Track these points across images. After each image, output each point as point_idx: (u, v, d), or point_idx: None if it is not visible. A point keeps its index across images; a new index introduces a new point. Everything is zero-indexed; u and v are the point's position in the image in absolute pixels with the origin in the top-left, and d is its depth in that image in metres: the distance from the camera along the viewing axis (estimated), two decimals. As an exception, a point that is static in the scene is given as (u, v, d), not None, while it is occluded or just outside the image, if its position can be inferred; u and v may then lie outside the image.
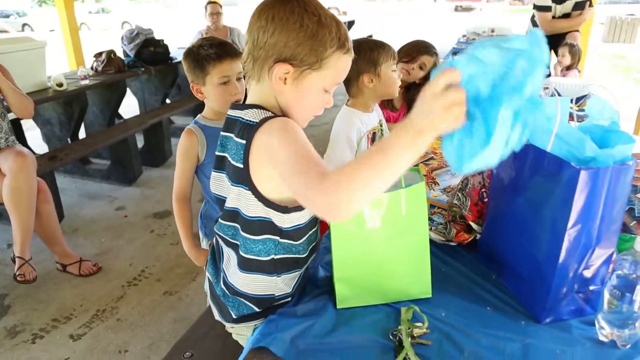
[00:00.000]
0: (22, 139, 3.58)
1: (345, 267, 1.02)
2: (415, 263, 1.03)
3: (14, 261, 2.35)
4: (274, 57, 0.89)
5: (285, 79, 0.90)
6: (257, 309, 1.05)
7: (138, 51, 4.19)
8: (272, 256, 1.00)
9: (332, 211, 0.73)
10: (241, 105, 0.96)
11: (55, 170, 3.67)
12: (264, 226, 0.96)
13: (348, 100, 1.73)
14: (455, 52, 3.56)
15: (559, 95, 2.61)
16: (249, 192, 0.93)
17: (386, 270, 1.03)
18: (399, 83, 1.68)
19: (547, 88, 2.82)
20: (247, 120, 0.92)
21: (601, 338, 0.93)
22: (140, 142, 4.01)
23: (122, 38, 4.22)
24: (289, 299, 1.06)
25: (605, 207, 0.89)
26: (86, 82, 3.47)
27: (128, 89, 4.41)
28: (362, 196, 0.72)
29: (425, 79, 2.16)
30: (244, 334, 1.12)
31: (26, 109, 2.59)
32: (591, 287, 0.99)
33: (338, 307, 1.04)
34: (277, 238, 0.98)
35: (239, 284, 1.03)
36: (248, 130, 0.90)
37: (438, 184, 1.45)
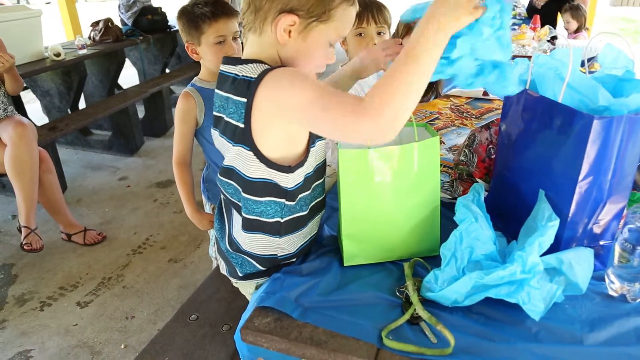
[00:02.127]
0: (22, 111, 3.55)
1: (353, 223, 1.00)
2: (424, 220, 1.01)
3: (20, 231, 2.36)
4: (279, 7, 0.84)
5: (290, 31, 0.85)
6: (261, 268, 1.04)
7: (136, 20, 4.11)
8: (278, 219, 0.98)
9: (381, 132, 0.74)
10: (234, 59, 0.91)
11: (56, 141, 3.66)
12: (268, 188, 0.93)
13: (345, 63, 1.69)
14: None
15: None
16: (250, 153, 0.90)
17: (395, 226, 1.01)
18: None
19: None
20: (243, 76, 0.87)
21: (611, 293, 0.92)
22: (141, 112, 3.98)
23: (119, 6, 4.12)
24: (293, 259, 1.05)
25: (618, 158, 0.86)
26: (84, 51, 3.41)
27: (127, 60, 4.34)
28: (406, 109, 0.74)
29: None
30: (248, 290, 1.12)
31: (15, 92, 2.63)
32: (601, 242, 0.97)
33: (345, 264, 1.03)
34: (283, 201, 0.95)
35: (242, 242, 1.02)
36: (247, 86, 0.85)
37: (444, 142, 1.41)
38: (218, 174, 1.02)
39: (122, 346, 1.94)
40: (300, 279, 0.98)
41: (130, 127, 3.56)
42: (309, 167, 0.95)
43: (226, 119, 0.93)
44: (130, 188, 3.23)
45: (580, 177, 0.86)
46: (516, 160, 1.05)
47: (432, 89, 2.04)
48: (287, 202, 0.96)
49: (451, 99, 1.80)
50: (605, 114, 0.85)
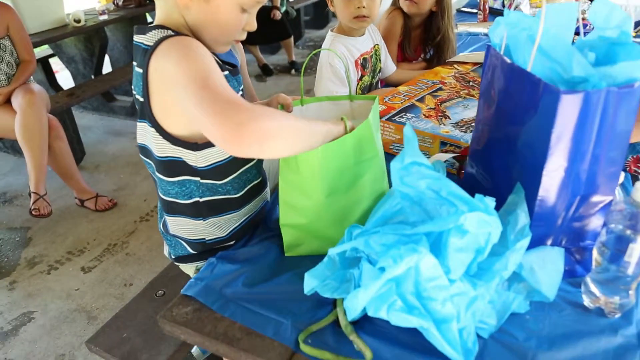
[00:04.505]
0: (51, 78, 3.62)
1: (292, 215, 0.88)
2: (371, 209, 0.88)
3: (30, 196, 2.41)
4: None
5: None
6: (192, 251, 0.96)
7: (161, -17, 4.03)
8: (196, 199, 0.88)
9: (237, 150, 0.67)
10: (144, 28, 0.81)
11: (81, 107, 3.72)
12: (177, 166, 0.84)
13: (333, 28, 1.53)
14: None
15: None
16: (153, 129, 0.81)
17: (340, 217, 0.88)
18: (360, 13, 1.42)
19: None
20: (145, 45, 0.77)
21: (586, 303, 0.77)
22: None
23: (144, -30, 4.05)
24: (230, 242, 0.96)
25: (599, 143, 0.69)
26: (104, 17, 3.39)
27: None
28: (270, 152, 0.70)
29: (440, 4, 1.79)
30: (190, 272, 1.05)
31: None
32: (582, 243, 0.81)
33: (286, 254, 0.92)
34: (198, 179, 0.86)
35: (169, 224, 0.94)
36: (144, 55, 0.76)
37: (449, 117, 1.24)
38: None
39: (117, 313, 1.95)
40: (231, 267, 0.89)
41: (151, 94, 3.54)
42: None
43: (133, 92, 0.84)
44: (147, 155, 3.24)
45: (548, 165, 0.71)
46: (489, 138, 0.89)
47: (438, 55, 1.84)
48: (202, 181, 0.86)
49: (455, 66, 1.60)
50: (582, 87, 0.67)
